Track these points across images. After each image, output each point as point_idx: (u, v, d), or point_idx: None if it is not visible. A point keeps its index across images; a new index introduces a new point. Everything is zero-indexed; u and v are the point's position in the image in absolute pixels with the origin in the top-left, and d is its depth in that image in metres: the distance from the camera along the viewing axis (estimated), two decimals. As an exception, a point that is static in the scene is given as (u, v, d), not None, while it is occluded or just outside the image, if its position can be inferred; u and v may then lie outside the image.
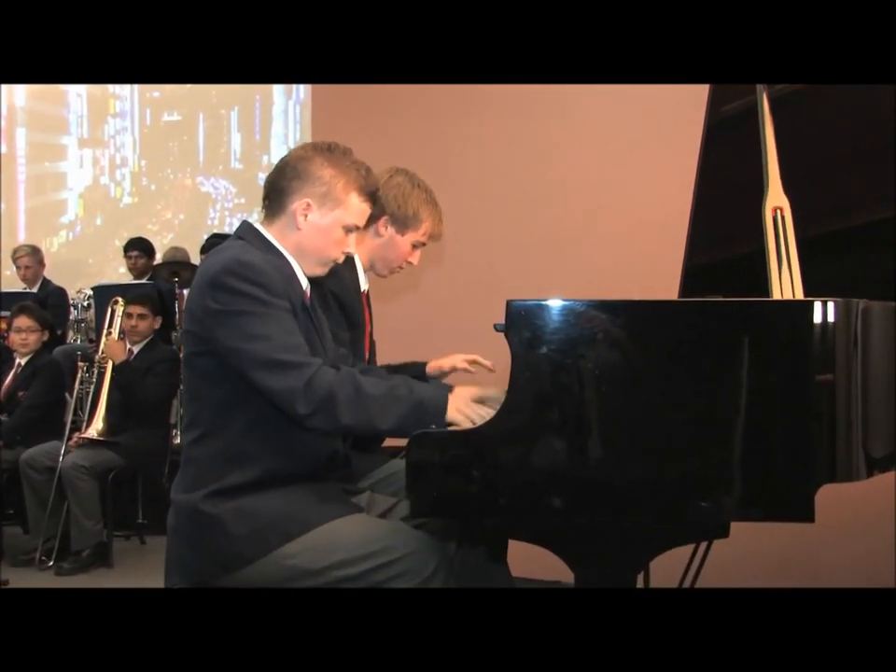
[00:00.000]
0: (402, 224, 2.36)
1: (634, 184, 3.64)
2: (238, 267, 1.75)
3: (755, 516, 1.63)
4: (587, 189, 3.73)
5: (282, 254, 1.88)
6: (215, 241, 5.42)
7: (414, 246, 2.40)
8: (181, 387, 4.95)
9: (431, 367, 2.49)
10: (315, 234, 1.87)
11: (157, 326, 4.57)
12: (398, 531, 1.80)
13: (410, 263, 2.44)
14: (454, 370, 2.50)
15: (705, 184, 2.24)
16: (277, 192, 1.89)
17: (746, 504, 1.61)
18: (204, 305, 1.76)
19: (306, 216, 1.86)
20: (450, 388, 1.83)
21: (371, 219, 2.34)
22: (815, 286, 1.84)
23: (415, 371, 2.47)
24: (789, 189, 1.93)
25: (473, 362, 2.47)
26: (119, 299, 4.54)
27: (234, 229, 1.96)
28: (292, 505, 1.77)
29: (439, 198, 2.42)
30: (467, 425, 1.69)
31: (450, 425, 1.71)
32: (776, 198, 1.95)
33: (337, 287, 2.26)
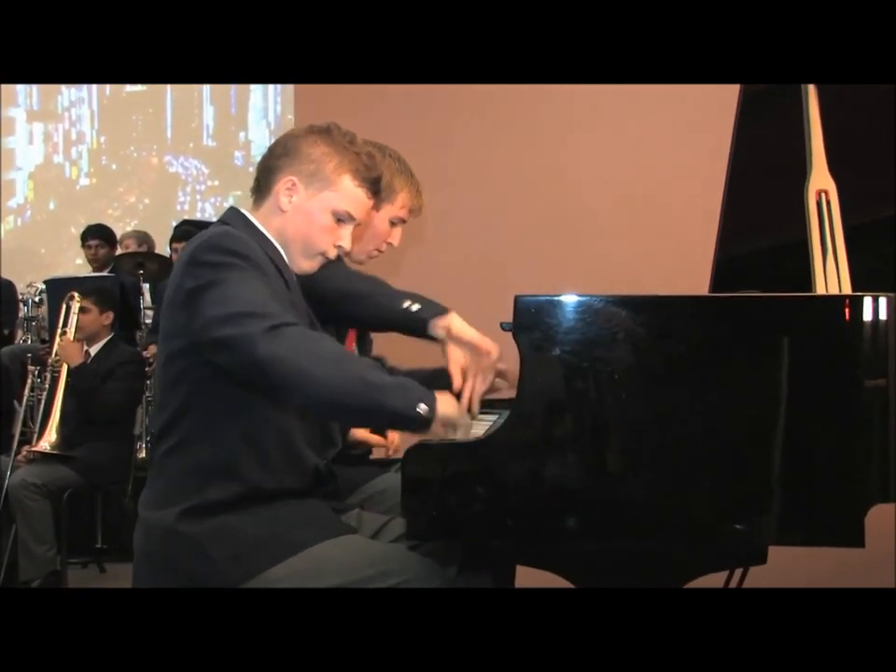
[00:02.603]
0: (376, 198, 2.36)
1: (658, 167, 3.66)
2: (219, 238, 1.77)
3: (795, 540, 1.64)
4: (605, 173, 3.75)
5: (272, 243, 1.88)
6: (188, 228, 5.42)
7: (393, 224, 2.40)
8: (147, 394, 4.97)
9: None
10: (300, 219, 1.87)
11: (107, 322, 4.56)
12: (394, 554, 1.81)
13: (390, 245, 2.44)
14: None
15: (739, 165, 2.25)
16: (265, 173, 1.90)
17: (785, 527, 1.62)
18: (181, 286, 1.75)
19: (291, 196, 1.87)
20: None
21: None
22: (863, 278, 1.85)
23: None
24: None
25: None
26: (76, 294, 4.53)
27: (206, 214, 1.98)
28: (278, 524, 1.78)
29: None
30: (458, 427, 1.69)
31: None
32: (820, 180, 1.95)
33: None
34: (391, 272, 3.76)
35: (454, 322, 1.99)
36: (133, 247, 6.27)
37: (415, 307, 2.03)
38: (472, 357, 1.96)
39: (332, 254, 1.92)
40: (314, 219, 1.88)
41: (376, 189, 1.94)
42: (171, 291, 1.81)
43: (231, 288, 1.70)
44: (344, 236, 1.90)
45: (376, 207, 2.33)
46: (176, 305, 1.78)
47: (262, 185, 1.90)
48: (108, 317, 4.55)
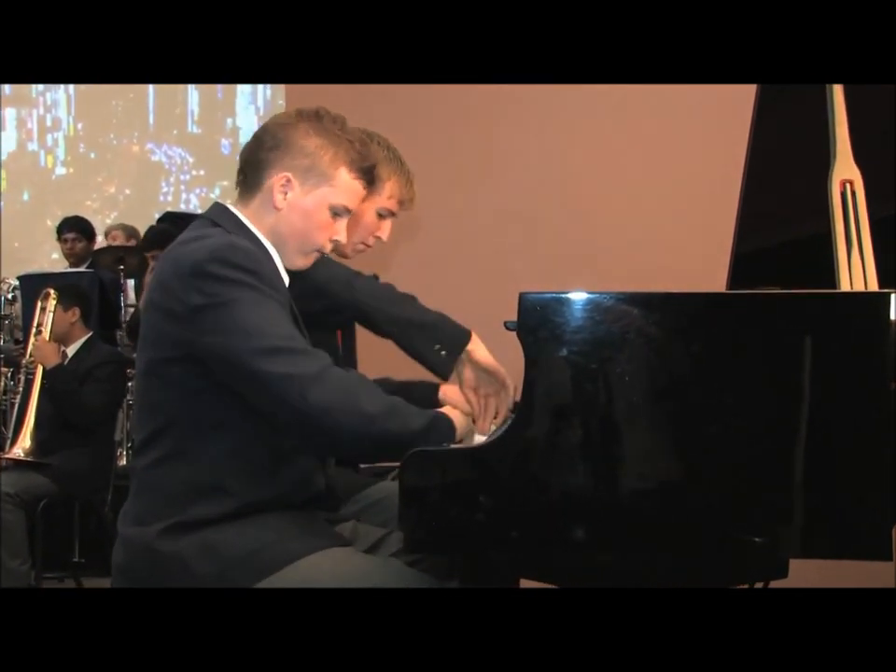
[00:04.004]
0: None
1: (670, 161, 3.67)
2: (228, 252, 1.76)
3: (819, 553, 1.64)
4: (614, 165, 3.76)
5: (263, 244, 1.88)
6: (173, 220, 5.41)
7: (381, 216, 2.38)
8: (128, 397, 4.98)
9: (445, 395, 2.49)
10: (296, 216, 1.88)
11: (73, 319, 4.56)
12: (389, 569, 1.82)
13: (378, 238, 2.43)
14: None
15: (758, 154, 2.25)
16: (253, 165, 1.89)
17: (808, 539, 1.63)
18: (187, 301, 1.75)
19: (286, 193, 1.87)
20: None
21: None
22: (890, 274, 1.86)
23: (422, 392, 2.45)
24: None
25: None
26: (51, 291, 4.55)
27: (191, 206, 1.98)
28: (265, 537, 1.78)
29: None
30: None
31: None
32: (845, 169, 1.96)
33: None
34: (397, 267, 3.79)
35: (477, 350, 2.10)
36: (120, 240, 6.27)
37: (443, 353, 2.08)
38: (488, 383, 2.12)
39: (328, 248, 1.94)
40: (311, 217, 1.88)
41: (371, 179, 1.95)
42: (164, 300, 1.80)
43: (256, 313, 1.73)
44: (340, 230, 1.92)
45: None
46: (171, 316, 1.78)
47: (250, 179, 1.90)
48: (74, 314, 4.55)
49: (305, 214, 1.88)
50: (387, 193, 2.35)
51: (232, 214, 1.89)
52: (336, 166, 1.87)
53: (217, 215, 1.90)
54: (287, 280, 1.93)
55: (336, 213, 1.90)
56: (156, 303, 1.83)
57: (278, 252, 1.91)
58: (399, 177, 2.36)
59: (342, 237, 1.93)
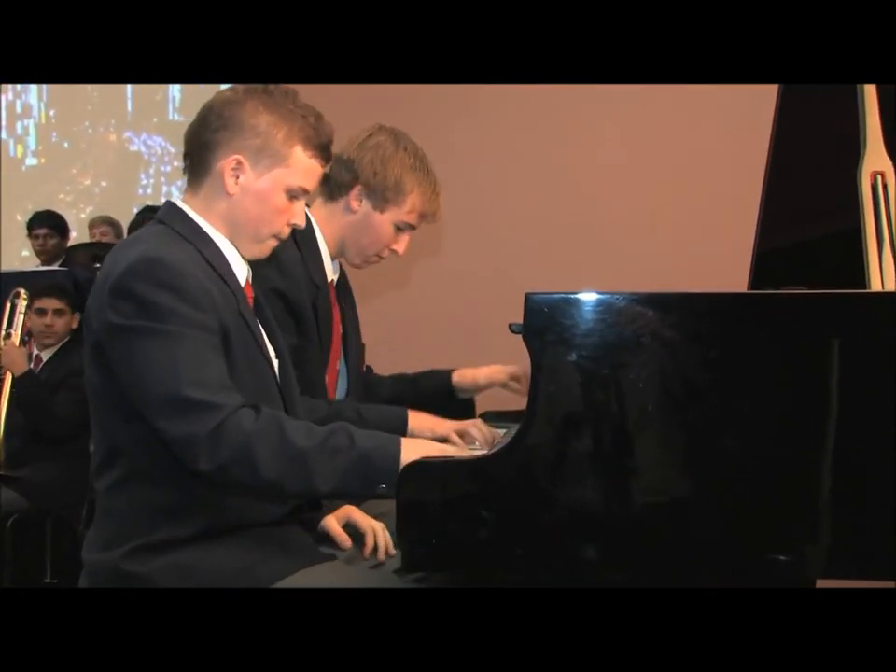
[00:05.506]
0: (380, 197, 2.33)
1: (690, 152, 3.68)
2: (147, 267, 1.74)
3: (847, 573, 1.65)
4: (626, 163, 3.78)
5: (212, 241, 1.87)
6: (150, 217, 5.41)
7: (399, 228, 2.37)
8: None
9: (462, 377, 2.51)
10: (251, 202, 1.86)
11: (75, 325, 4.58)
12: (372, 581, 1.82)
13: (393, 252, 2.43)
14: (492, 385, 2.52)
15: (781, 148, 2.26)
16: (200, 148, 1.88)
17: (834, 558, 1.63)
18: (103, 318, 1.76)
19: (237, 177, 1.85)
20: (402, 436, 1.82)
21: (341, 189, 2.34)
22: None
23: (436, 381, 2.47)
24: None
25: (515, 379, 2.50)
26: (22, 290, 4.55)
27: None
28: (243, 557, 1.78)
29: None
30: None
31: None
32: (876, 160, 1.96)
33: (282, 282, 2.25)
34: (395, 270, 3.79)
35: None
36: (109, 238, 6.25)
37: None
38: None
39: (286, 234, 1.93)
40: (266, 201, 1.87)
41: (328, 157, 1.93)
42: (90, 313, 1.81)
43: (163, 355, 1.71)
44: (298, 212, 1.91)
45: (380, 208, 2.33)
46: (97, 334, 1.79)
47: (197, 163, 1.89)
48: (76, 320, 4.58)
49: (260, 198, 1.87)
50: (408, 206, 2.34)
51: (181, 211, 1.88)
52: (290, 145, 1.86)
53: (166, 214, 1.89)
54: (244, 271, 1.92)
55: (293, 195, 1.89)
56: (86, 315, 1.84)
57: (234, 241, 1.89)
58: (424, 190, 2.34)
59: (300, 220, 1.92)
